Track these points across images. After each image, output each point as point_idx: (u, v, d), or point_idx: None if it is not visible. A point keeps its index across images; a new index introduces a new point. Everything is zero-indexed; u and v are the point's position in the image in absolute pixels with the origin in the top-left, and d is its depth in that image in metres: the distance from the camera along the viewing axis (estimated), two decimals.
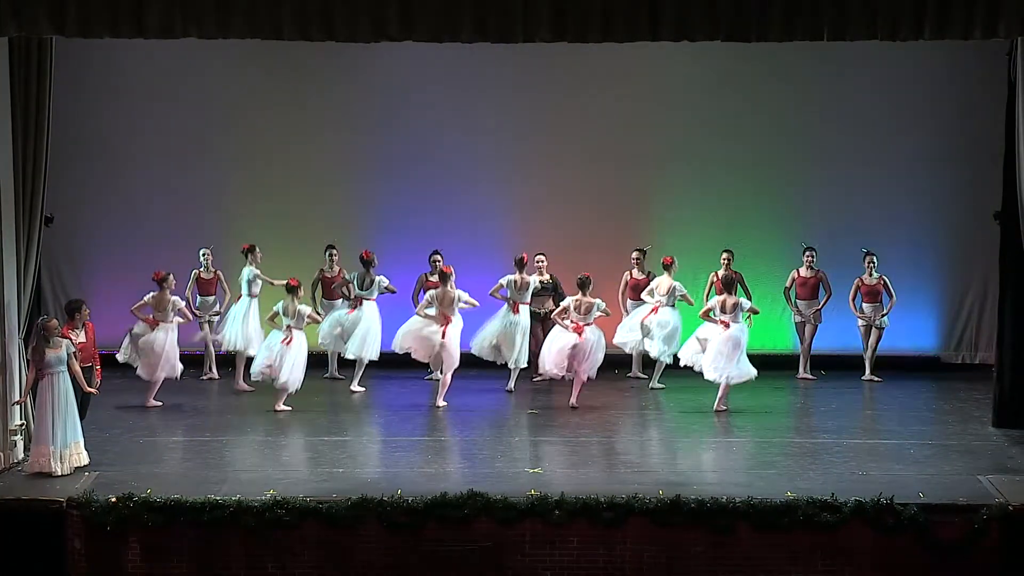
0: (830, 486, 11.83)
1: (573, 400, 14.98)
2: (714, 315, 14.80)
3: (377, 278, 15.88)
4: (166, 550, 11.51)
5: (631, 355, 16.39)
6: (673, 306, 15.71)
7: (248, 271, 16.05)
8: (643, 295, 15.89)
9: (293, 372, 14.68)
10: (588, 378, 14.99)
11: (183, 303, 15.29)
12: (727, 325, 14.69)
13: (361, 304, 15.84)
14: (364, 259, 15.90)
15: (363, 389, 15.82)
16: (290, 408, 14.72)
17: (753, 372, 14.77)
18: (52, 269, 16.43)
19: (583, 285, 14.90)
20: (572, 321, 14.86)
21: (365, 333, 15.77)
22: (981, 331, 17.09)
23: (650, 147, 17.08)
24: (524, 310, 15.69)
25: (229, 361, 16.31)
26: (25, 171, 12.75)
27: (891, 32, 11.89)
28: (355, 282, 15.91)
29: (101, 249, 17.15)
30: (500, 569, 11.51)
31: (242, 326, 15.89)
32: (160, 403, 15.01)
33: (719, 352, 14.69)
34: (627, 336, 16.04)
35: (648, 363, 16.22)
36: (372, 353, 15.78)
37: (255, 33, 11.91)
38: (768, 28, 11.92)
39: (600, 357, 15.02)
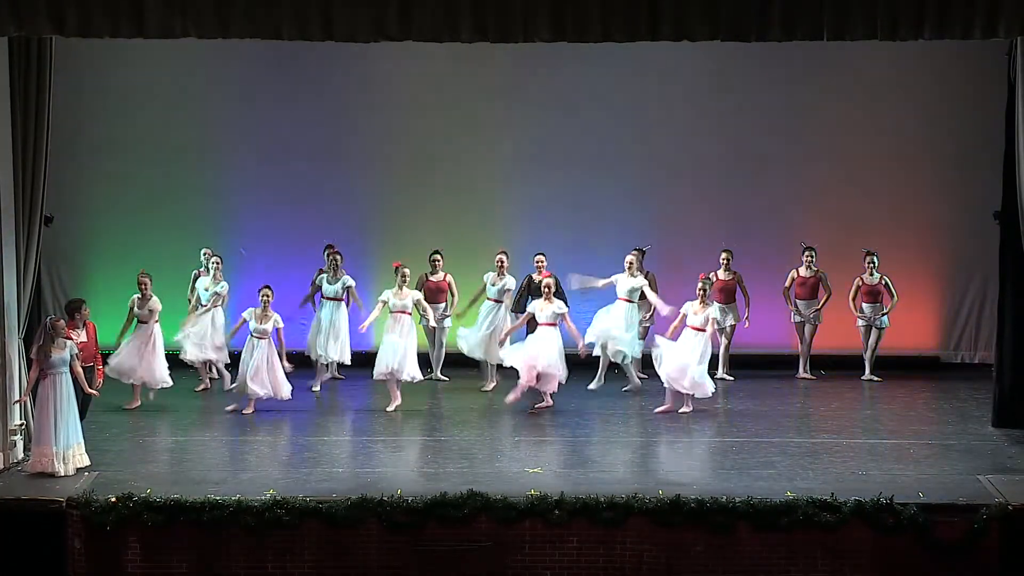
0: (830, 486, 11.84)
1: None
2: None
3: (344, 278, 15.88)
4: (166, 550, 11.51)
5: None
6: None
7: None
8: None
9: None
10: None
11: (158, 305, 15.15)
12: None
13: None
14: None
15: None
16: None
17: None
18: (52, 269, 16.43)
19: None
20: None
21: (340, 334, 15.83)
22: (981, 331, 17.09)
23: (650, 147, 17.08)
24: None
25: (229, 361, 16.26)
26: (25, 171, 12.75)
27: (891, 32, 11.90)
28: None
29: (101, 249, 17.15)
30: (500, 569, 11.51)
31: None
32: (138, 403, 14.94)
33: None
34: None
35: (648, 363, 16.22)
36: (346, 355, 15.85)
37: (255, 33, 11.91)
38: (768, 28, 11.92)
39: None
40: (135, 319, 14.97)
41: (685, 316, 14.73)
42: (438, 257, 16.02)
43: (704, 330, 14.62)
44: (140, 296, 14.97)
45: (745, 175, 17.04)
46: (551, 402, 14.85)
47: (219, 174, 17.17)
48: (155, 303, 15.01)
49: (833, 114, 16.94)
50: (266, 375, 14.55)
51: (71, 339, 12.73)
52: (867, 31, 11.90)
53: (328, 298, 15.73)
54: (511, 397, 14.76)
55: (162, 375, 14.99)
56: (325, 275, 15.76)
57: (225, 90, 17.06)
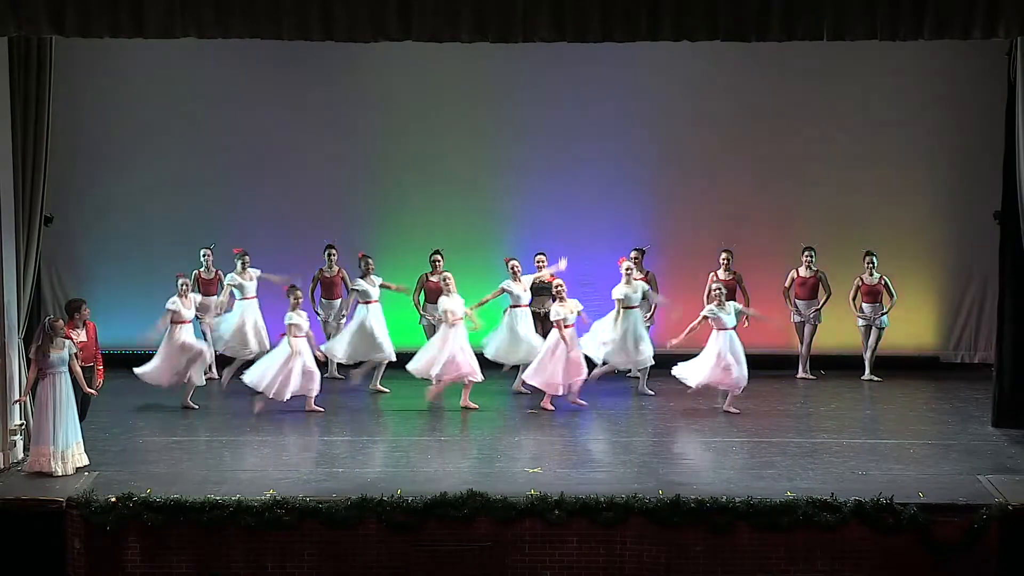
0: (830, 486, 11.85)
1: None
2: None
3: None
4: (166, 550, 11.53)
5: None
6: None
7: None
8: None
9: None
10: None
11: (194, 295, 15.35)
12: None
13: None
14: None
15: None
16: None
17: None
18: (52, 269, 16.42)
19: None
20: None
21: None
22: (980, 331, 17.09)
23: (650, 147, 17.07)
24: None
25: (230, 361, 16.23)
26: (25, 171, 12.76)
27: (891, 32, 11.91)
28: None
29: (100, 249, 17.14)
30: (500, 569, 11.52)
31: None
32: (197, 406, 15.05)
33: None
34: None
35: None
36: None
37: (255, 33, 11.93)
38: (768, 28, 11.93)
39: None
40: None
41: (717, 319, 14.75)
42: (438, 257, 16.02)
43: (729, 327, 14.77)
44: (181, 297, 14.99)
45: (745, 175, 17.03)
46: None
47: (219, 175, 17.15)
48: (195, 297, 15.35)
49: (833, 114, 16.92)
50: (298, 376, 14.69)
51: (70, 339, 12.74)
52: (867, 31, 11.92)
53: (368, 302, 15.68)
54: (546, 403, 14.95)
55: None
56: (365, 281, 15.69)
57: (226, 91, 17.04)
